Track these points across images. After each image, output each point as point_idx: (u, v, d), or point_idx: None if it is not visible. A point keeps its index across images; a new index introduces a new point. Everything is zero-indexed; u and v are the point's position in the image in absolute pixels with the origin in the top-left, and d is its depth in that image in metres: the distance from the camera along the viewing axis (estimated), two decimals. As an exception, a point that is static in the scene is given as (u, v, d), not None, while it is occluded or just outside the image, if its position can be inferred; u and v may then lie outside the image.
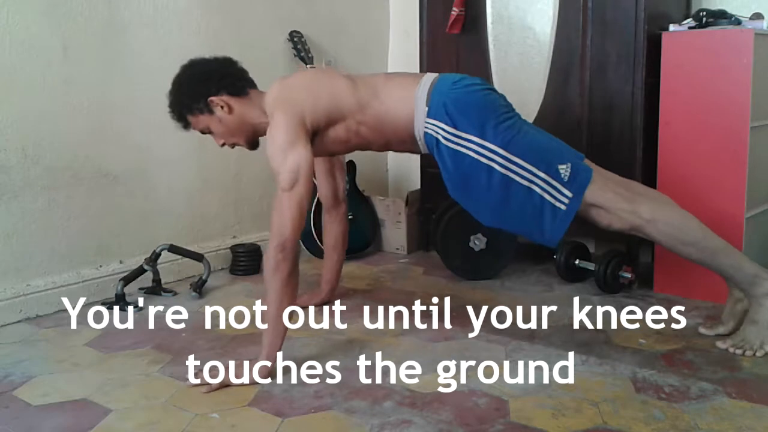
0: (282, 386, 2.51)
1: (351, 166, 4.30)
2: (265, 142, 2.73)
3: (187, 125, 2.89)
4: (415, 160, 4.30)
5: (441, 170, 2.76)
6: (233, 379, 2.52)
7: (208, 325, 3.13)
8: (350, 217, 4.06)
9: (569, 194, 2.64)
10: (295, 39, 4.24)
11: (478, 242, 3.74)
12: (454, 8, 3.79)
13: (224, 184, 4.04)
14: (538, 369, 2.62)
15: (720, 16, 3.27)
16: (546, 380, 2.53)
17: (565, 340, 2.90)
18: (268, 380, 2.55)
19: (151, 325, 3.12)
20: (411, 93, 2.76)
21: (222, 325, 3.14)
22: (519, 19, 3.70)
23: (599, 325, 3.05)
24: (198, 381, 2.53)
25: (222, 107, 2.79)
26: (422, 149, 2.83)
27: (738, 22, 3.26)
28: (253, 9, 4.10)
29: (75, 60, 3.36)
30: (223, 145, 2.91)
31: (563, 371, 2.60)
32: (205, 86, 2.79)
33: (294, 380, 2.56)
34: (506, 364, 2.67)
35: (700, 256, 2.73)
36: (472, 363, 2.68)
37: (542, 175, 2.63)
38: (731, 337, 2.78)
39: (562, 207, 2.64)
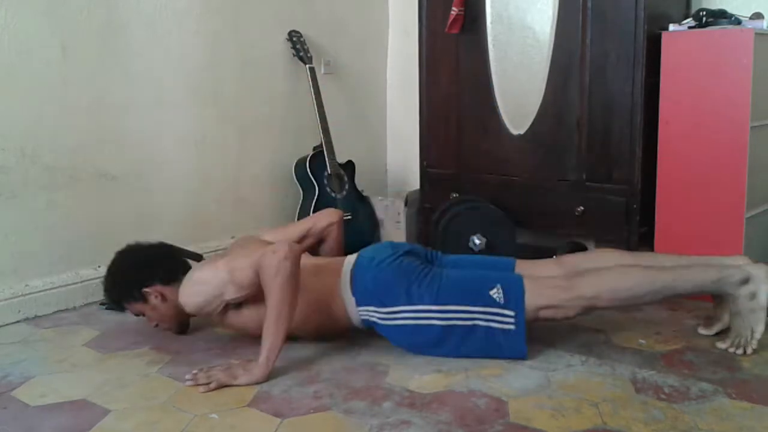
0: (281, 387, 2.50)
1: (350, 165, 4.29)
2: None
3: (122, 309, 2.99)
4: (414, 160, 4.29)
5: (388, 339, 2.81)
6: (231, 380, 2.52)
7: (206, 326, 3.12)
8: (348, 217, 4.06)
9: (511, 313, 2.67)
10: (294, 39, 4.23)
11: (477, 242, 3.73)
12: (453, 8, 3.78)
13: (223, 184, 4.04)
14: (538, 370, 2.62)
15: (720, 16, 3.27)
16: (545, 381, 2.53)
17: (565, 340, 2.89)
18: (267, 381, 2.54)
19: (150, 325, 3.11)
20: (335, 289, 2.82)
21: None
22: (518, 18, 3.69)
23: (599, 326, 3.04)
24: (196, 381, 2.53)
25: (155, 296, 2.86)
26: (362, 329, 2.87)
27: (738, 22, 3.26)
28: (252, 9, 4.10)
29: (74, 60, 3.35)
30: (156, 326, 2.97)
31: (563, 372, 2.60)
32: (139, 277, 2.87)
33: (293, 381, 2.55)
34: (506, 364, 2.67)
35: (658, 298, 2.79)
36: (471, 364, 2.67)
37: (479, 309, 2.68)
38: (728, 336, 2.79)
39: (512, 327, 2.68)
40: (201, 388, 2.49)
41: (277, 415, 2.30)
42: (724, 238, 3.12)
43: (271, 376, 2.56)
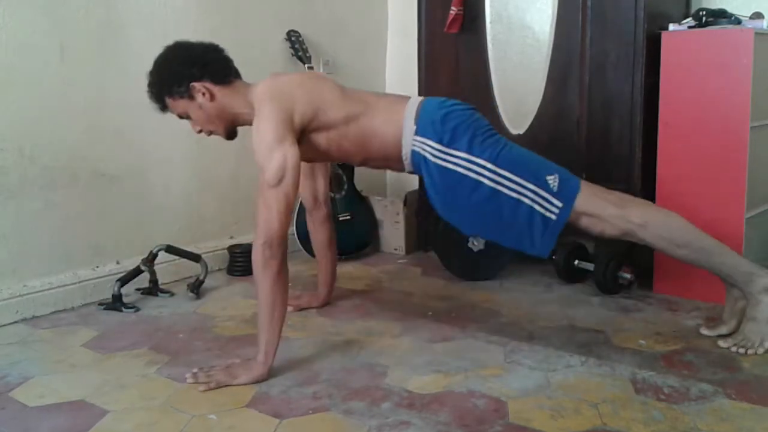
0: (280, 387, 2.50)
1: (349, 165, 4.29)
2: (242, 134, 2.71)
3: (164, 107, 2.82)
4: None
5: (427, 187, 2.77)
6: (231, 379, 2.52)
7: (205, 326, 3.12)
8: (348, 217, 4.06)
9: (559, 204, 2.66)
10: (293, 38, 4.23)
11: (476, 242, 3.73)
12: (452, 7, 3.78)
13: (222, 184, 4.03)
14: (537, 370, 2.62)
15: (720, 16, 3.27)
16: (545, 381, 2.52)
17: (565, 341, 2.89)
18: (266, 380, 2.54)
19: (148, 326, 3.11)
20: (400, 111, 2.78)
21: (219, 326, 3.12)
22: (518, 18, 3.69)
23: (598, 326, 3.03)
24: (196, 380, 2.53)
25: (204, 94, 2.73)
26: (407, 168, 2.84)
27: (738, 22, 3.26)
28: (250, 8, 4.09)
29: (72, 60, 3.34)
30: (200, 131, 2.85)
31: (562, 372, 2.60)
32: (189, 70, 2.72)
33: (292, 381, 2.55)
34: (505, 365, 2.66)
35: (695, 257, 2.75)
36: (471, 364, 2.67)
37: (531, 186, 2.66)
38: (732, 336, 2.79)
39: (553, 217, 2.66)
40: (201, 387, 2.49)
41: (275, 415, 2.30)
42: (724, 239, 3.09)
43: (270, 374, 2.56)
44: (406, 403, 2.37)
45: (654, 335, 2.93)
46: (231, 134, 2.90)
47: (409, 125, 2.74)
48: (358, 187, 4.36)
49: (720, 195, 3.22)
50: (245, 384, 2.51)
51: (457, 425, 2.22)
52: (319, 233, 3.34)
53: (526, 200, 2.65)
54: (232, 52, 3.96)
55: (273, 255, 2.52)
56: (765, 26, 3.24)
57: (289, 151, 2.60)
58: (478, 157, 2.66)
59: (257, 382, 2.53)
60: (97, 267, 3.47)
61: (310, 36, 4.35)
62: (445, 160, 2.69)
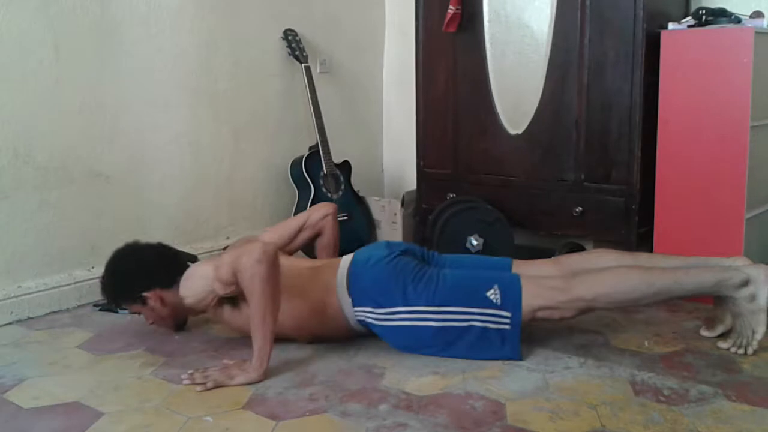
0: (276, 389, 2.49)
1: (346, 165, 4.28)
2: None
3: (119, 308, 3.09)
4: (410, 160, 4.27)
5: (385, 340, 2.81)
6: (227, 380, 2.52)
7: (201, 327, 3.11)
8: (345, 217, 4.05)
9: (508, 314, 2.68)
10: (290, 37, 4.21)
11: (474, 243, 3.71)
12: (450, 6, 3.76)
13: (217, 184, 4.02)
14: (536, 372, 2.60)
15: (720, 15, 3.26)
16: (543, 383, 2.51)
17: (563, 342, 2.87)
18: (262, 381, 2.53)
19: (143, 327, 3.09)
20: (332, 290, 2.82)
21: (215, 328, 3.11)
22: (516, 17, 3.68)
23: (597, 327, 3.02)
24: (193, 381, 2.52)
25: (155, 300, 2.86)
26: (360, 331, 2.86)
27: (738, 21, 3.25)
28: (247, 7, 4.08)
29: (67, 59, 3.33)
30: (152, 323, 2.98)
31: (561, 374, 2.58)
32: (138, 283, 2.86)
33: (288, 383, 2.53)
34: (503, 366, 2.65)
35: (656, 300, 2.78)
36: (469, 366, 2.66)
37: (475, 310, 2.69)
38: (730, 336, 2.79)
39: (507, 327, 2.69)
40: (197, 388, 2.48)
41: (272, 417, 2.29)
42: (723, 239, 3.10)
43: (266, 375, 2.56)
44: (403, 405, 2.36)
45: (653, 336, 2.92)
46: (180, 326, 3.08)
47: (346, 299, 2.79)
48: (356, 188, 4.34)
49: (720, 195, 3.21)
50: (242, 384, 2.51)
51: (454, 427, 2.21)
52: (323, 237, 3.31)
53: (477, 323, 2.69)
54: (227, 51, 3.98)
55: (260, 260, 2.52)
56: (765, 25, 3.23)
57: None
58: (416, 305, 2.71)
59: (254, 382, 2.52)
60: (93, 268, 3.45)
61: (306, 35, 4.34)
62: (388, 320, 2.74)
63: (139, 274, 2.87)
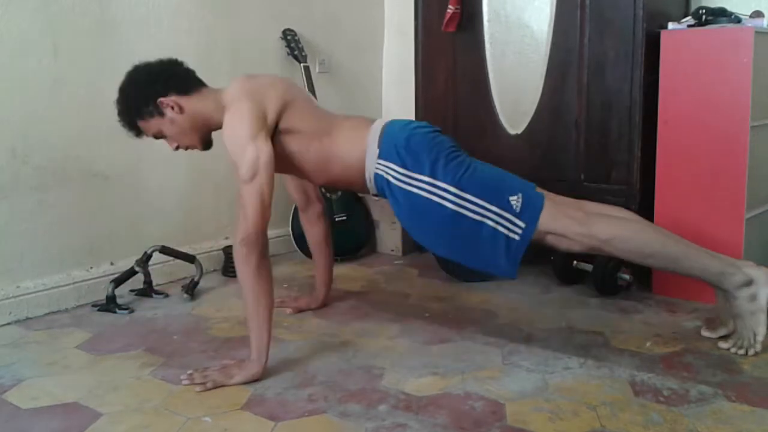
0: (275, 389, 2.48)
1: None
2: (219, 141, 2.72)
3: (138, 132, 2.85)
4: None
5: (392, 208, 2.79)
6: (227, 379, 2.51)
7: (200, 328, 3.10)
8: (344, 217, 4.04)
9: (522, 224, 2.65)
10: (289, 37, 4.21)
11: (474, 243, 3.70)
12: (449, 6, 3.77)
13: (217, 184, 4.01)
14: (535, 372, 2.60)
15: (719, 14, 3.25)
16: (543, 383, 2.50)
17: (563, 342, 2.87)
18: (262, 379, 2.53)
19: (143, 327, 3.09)
20: (363, 134, 2.80)
21: (214, 328, 3.11)
22: (516, 16, 3.68)
23: (597, 328, 3.02)
24: (192, 381, 2.52)
25: (172, 108, 2.76)
26: (371, 190, 2.86)
27: (738, 20, 3.24)
28: (246, 7, 4.07)
29: (66, 58, 3.32)
30: (177, 148, 2.88)
31: (560, 374, 2.58)
32: (153, 88, 2.75)
33: (287, 383, 2.53)
34: (503, 367, 2.65)
35: (661, 264, 2.75)
36: (468, 366, 2.65)
37: (494, 208, 2.65)
38: (731, 337, 2.78)
39: (516, 237, 2.65)
40: (197, 388, 2.48)
41: (271, 418, 2.28)
42: (723, 239, 3.09)
43: (266, 371, 2.55)
44: (402, 406, 2.35)
45: (653, 337, 2.92)
46: (207, 144, 2.93)
47: (372, 148, 2.76)
48: (355, 188, 4.33)
49: (720, 195, 3.20)
50: (241, 383, 2.50)
51: (454, 428, 2.20)
52: (313, 231, 3.32)
53: (489, 222, 2.65)
54: (226, 51, 3.98)
55: (250, 250, 2.52)
56: (765, 25, 3.23)
57: (262, 148, 2.62)
58: (440, 180, 2.67)
59: (253, 380, 2.52)
60: (91, 268, 3.45)
61: (305, 35, 4.33)
62: (408, 183, 2.70)
63: (154, 79, 2.77)
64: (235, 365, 2.57)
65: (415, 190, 2.68)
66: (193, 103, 2.77)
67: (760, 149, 3.24)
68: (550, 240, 2.68)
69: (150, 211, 3.72)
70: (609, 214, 2.79)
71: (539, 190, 2.79)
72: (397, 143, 2.73)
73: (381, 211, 4.35)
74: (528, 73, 3.67)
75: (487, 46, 3.78)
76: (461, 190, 2.65)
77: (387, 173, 2.73)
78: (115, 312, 3.28)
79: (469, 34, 3.83)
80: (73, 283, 3.41)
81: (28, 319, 3.24)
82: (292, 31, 4.24)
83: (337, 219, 4.11)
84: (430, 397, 2.41)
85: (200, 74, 3.79)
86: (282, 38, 4.23)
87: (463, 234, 2.67)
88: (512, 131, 3.76)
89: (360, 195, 4.34)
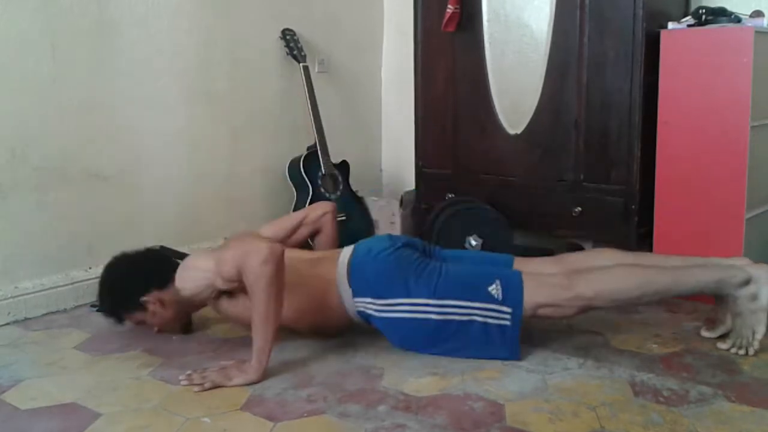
0: (274, 390, 2.48)
1: (344, 165, 4.27)
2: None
3: (121, 321, 2.97)
4: (409, 160, 4.26)
5: (385, 334, 2.80)
6: (226, 381, 2.51)
7: (198, 328, 3.10)
8: (343, 217, 4.03)
9: (509, 310, 2.67)
10: (288, 37, 4.20)
11: (473, 243, 3.70)
12: (449, 6, 3.76)
13: (215, 184, 4.01)
14: (535, 373, 2.60)
15: (719, 14, 3.25)
16: (542, 384, 2.50)
17: (563, 343, 2.87)
18: (261, 382, 2.52)
19: (141, 328, 3.07)
20: (332, 280, 2.81)
21: (213, 328, 3.11)
22: (515, 16, 3.67)
23: (597, 328, 3.01)
24: (191, 382, 2.52)
25: (154, 303, 2.86)
26: (356, 321, 2.86)
27: (738, 20, 3.24)
28: (245, 6, 4.07)
29: (64, 59, 3.31)
30: (158, 331, 2.97)
31: (560, 375, 2.58)
32: (135, 288, 2.85)
33: (287, 384, 2.52)
34: (502, 367, 2.64)
35: (656, 298, 2.79)
36: (468, 366, 2.65)
37: (476, 304, 2.68)
38: (730, 337, 2.78)
39: (507, 323, 2.67)
40: (196, 388, 2.48)
41: (270, 418, 2.28)
42: (723, 239, 3.09)
43: (265, 376, 2.55)
44: (402, 406, 2.35)
45: (653, 337, 2.91)
46: (186, 329, 3.05)
47: (345, 289, 2.79)
48: (354, 188, 4.33)
49: (720, 195, 3.20)
50: (240, 385, 2.50)
51: (453, 428, 2.20)
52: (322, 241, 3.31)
53: (477, 318, 2.68)
54: (226, 50, 3.97)
55: (266, 260, 2.51)
56: (765, 24, 3.23)
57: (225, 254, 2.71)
58: (417, 297, 2.70)
59: (252, 383, 2.51)
60: (90, 268, 3.44)
61: (305, 35, 4.33)
62: (388, 311, 2.73)
63: (133, 280, 2.86)
64: (233, 366, 2.57)
65: (397, 315, 2.72)
66: (172, 294, 2.83)
67: (760, 149, 3.24)
68: (543, 312, 2.70)
69: (148, 211, 3.71)
70: (591, 265, 2.82)
71: (517, 263, 2.89)
72: (365, 278, 2.77)
73: (380, 211, 4.34)
74: (527, 73, 3.66)
75: (487, 45, 3.77)
76: (440, 299, 2.69)
77: (367, 308, 2.76)
78: (122, 322, 3.26)
79: (469, 34, 3.83)
80: (72, 283, 3.40)
81: (26, 319, 3.23)
82: (291, 30, 4.23)
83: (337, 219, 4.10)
84: (429, 397, 2.41)
85: (199, 75, 3.83)
86: (281, 38, 4.23)
87: (456, 336, 2.71)
88: (512, 131, 3.75)
89: (359, 195, 4.34)
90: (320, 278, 2.82)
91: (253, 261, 2.51)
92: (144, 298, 2.83)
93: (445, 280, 2.71)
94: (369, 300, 2.74)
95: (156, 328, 2.95)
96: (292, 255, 2.90)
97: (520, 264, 2.90)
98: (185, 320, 3.02)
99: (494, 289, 2.67)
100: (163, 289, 2.83)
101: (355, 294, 2.76)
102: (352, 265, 2.80)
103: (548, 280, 2.72)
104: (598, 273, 2.73)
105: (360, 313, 2.79)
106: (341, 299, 2.79)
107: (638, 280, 2.68)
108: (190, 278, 2.75)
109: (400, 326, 2.73)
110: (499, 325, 2.66)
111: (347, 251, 2.87)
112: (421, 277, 2.72)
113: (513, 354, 2.69)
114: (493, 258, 2.99)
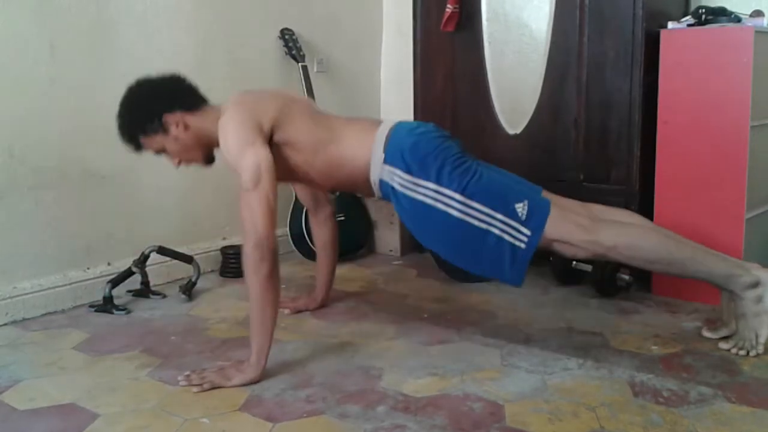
0: (273, 390, 2.47)
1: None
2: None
3: (139, 147, 2.84)
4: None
5: (397, 212, 2.78)
6: (224, 381, 2.50)
7: (197, 328, 3.09)
8: (342, 218, 4.02)
9: (528, 232, 2.64)
10: (286, 37, 4.20)
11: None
12: (448, 5, 3.76)
13: (214, 184, 3.99)
14: (534, 373, 2.59)
15: (719, 14, 3.25)
16: (542, 384, 2.50)
17: (562, 343, 2.86)
18: (259, 382, 2.52)
19: (140, 328, 3.08)
20: (369, 138, 2.78)
21: (212, 328, 3.10)
22: (515, 16, 3.67)
23: (596, 329, 3.01)
24: (190, 382, 2.51)
25: (177, 125, 2.76)
26: (376, 194, 2.85)
27: (738, 20, 3.24)
28: (243, 6, 4.07)
29: (62, 58, 3.31)
30: (179, 164, 2.88)
31: (559, 375, 2.57)
32: (158, 104, 2.75)
33: (286, 384, 2.52)
34: (502, 367, 2.64)
35: (667, 269, 2.75)
36: (467, 367, 2.65)
37: (499, 216, 2.64)
38: (732, 338, 2.78)
39: (522, 246, 2.64)
40: (194, 389, 2.47)
41: (269, 419, 2.28)
42: (723, 239, 3.09)
43: (264, 376, 2.54)
44: (401, 407, 2.34)
45: (653, 337, 2.91)
46: (209, 160, 2.93)
47: (378, 153, 2.75)
48: (353, 188, 4.32)
49: (720, 195, 3.20)
50: (239, 386, 2.49)
51: (453, 429, 2.19)
52: (321, 232, 3.32)
53: (495, 230, 2.64)
54: (224, 50, 3.97)
55: (263, 257, 2.50)
56: (765, 24, 3.23)
57: (261, 153, 2.61)
58: (446, 187, 2.65)
59: (251, 383, 2.51)
60: (88, 269, 3.44)
61: (303, 34, 4.32)
62: (413, 190, 2.69)
63: (159, 94, 2.77)
64: (232, 366, 2.56)
65: (420, 197, 2.67)
66: (197, 120, 2.77)
67: (760, 149, 3.24)
68: (556, 247, 2.67)
69: (147, 211, 3.70)
70: (615, 219, 2.79)
71: (545, 194, 2.79)
72: (403, 149, 2.71)
73: (379, 212, 4.34)
74: (527, 72, 3.66)
75: (486, 45, 3.77)
76: (467, 197, 2.63)
77: (392, 179, 2.72)
78: (112, 313, 3.27)
79: (468, 34, 3.83)
80: (70, 283, 3.39)
81: (24, 319, 3.22)
82: (290, 30, 4.23)
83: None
84: (428, 398, 2.41)
85: (198, 74, 3.79)
86: (280, 38, 4.22)
87: (467, 241, 2.66)
88: (511, 131, 3.75)
89: (358, 195, 4.33)
90: (356, 134, 2.80)
91: (250, 256, 2.52)
92: (167, 116, 2.74)
93: (477, 181, 2.66)
94: (398, 171, 2.70)
95: (177, 159, 2.85)
96: (328, 116, 2.91)
97: (548, 196, 2.82)
98: (209, 151, 2.89)
99: (521, 207, 2.64)
100: (189, 112, 2.77)
101: (387, 160, 2.72)
102: (394, 132, 2.77)
103: (574, 218, 2.69)
104: (622, 225, 2.72)
105: (382, 183, 2.75)
106: (370, 162, 2.76)
107: (659, 244, 2.67)
108: (223, 132, 2.67)
109: (419, 208, 2.68)
110: (513, 245, 2.63)
111: (390, 121, 2.84)
112: (456, 170, 2.67)
113: (516, 278, 2.66)
114: (525, 182, 2.88)
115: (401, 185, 2.70)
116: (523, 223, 2.62)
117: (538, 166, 3.67)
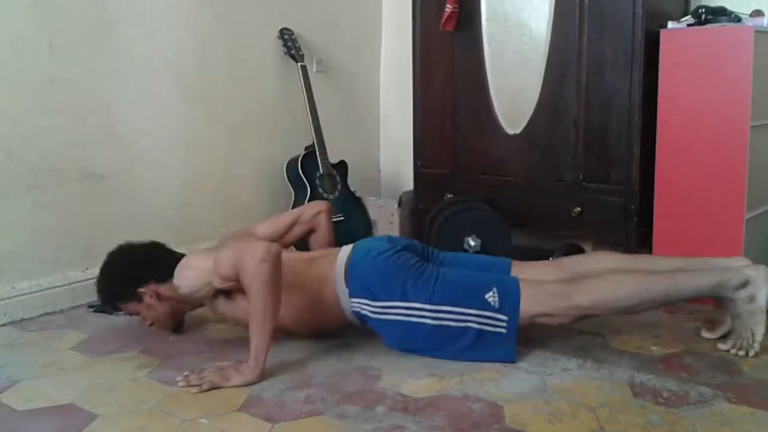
0: (272, 391, 2.47)
1: (343, 165, 4.26)
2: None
3: (116, 310, 2.99)
4: (408, 160, 4.26)
5: (380, 335, 2.79)
6: (223, 381, 2.50)
7: (196, 329, 3.09)
8: (342, 217, 4.02)
9: (505, 318, 2.66)
10: (286, 36, 4.20)
11: (472, 243, 3.69)
12: (447, 5, 3.75)
13: (213, 184, 4.00)
14: (534, 374, 2.59)
15: (719, 13, 3.25)
16: (542, 385, 2.49)
17: (562, 343, 2.86)
18: (258, 383, 2.51)
19: (139, 328, 3.07)
20: (330, 277, 2.80)
21: (211, 329, 3.10)
22: (514, 16, 3.66)
23: (596, 329, 3.00)
24: (188, 383, 2.51)
25: (150, 295, 2.85)
26: (356, 324, 2.86)
27: (738, 19, 3.24)
28: (242, 6, 4.06)
29: (62, 58, 3.30)
30: (151, 325, 2.95)
31: (559, 375, 2.57)
32: (133, 278, 2.85)
33: (285, 385, 2.52)
34: (501, 368, 2.63)
35: (655, 305, 2.76)
36: (467, 367, 2.64)
37: (473, 312, 2.67)
38: (730, 338, 2.78)
39: (503, 331, 2.67)
40: (193, 390, 2.47)
41: (268, 419, 2.27)
42: (723, 239, 3.08)
43: (263, 376, 2.54)
44: (400, 407, 2.34)
45: (652, 338, 2.90)
46: (178, 325, 3.04)
47: (342, 289, 2.78)
48: (352, 188, 4.32)
49: (720, 195, 3.19)
50: (238, 386, 2.49)
51: (452, 429, 2.19)
52: (315, 239, 3.29)
53: (473, 325, 2.67)
54: (223, 50, 3.97)
55: (264, 258, 2.51)
56: (765, 24, 3.23)
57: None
58: (414, 302, 2.69)
59: (250, 384, 2.51)
60: (87, 269, 3.43)
61: (303, 34, 4.32)
62: (384, 313, 2.72)
63: (133, 269, 2.86)
64: (231, 367, 2.56)
65: (392, 317, 2.71)
66: (170, 290, 2.82)
67: (760, 149, 3.24)
68: (540, 321, 2.70)
69: (146, 211, 3.70)
70: (587, 270, 2.82)
71: (514, 266, 2.89)
72: (362, 279, 2.75)
73: (378, 212, 4.34)
74: (527, 72, 3.65)
75: (486, 45, 3.76)
76: (436, 305, 2.68)
77: (363, 309, 2.75)
78: (110, 313, 3.26)
79: (468, 34, 3.82)
80: (69, 284, 3.39)
81: (23, 320, 3.22)
82: (288, 30, 4.22)
83: (334, 219, 4.08)
84: (428, 398, 2.40)
85: (198, 74, 3.82)
86: (279, 37, 4.22)
87: (452, 341, 2.70)
88: (511, 131, 3.75)
89: (357, 195, 4.33)
90: (317, 278, 2.81)
91: (251, 260, 2.51)
92: (141, 289, 2.83)
93: (442, 286, 2.70)
94: (365, 301, 2.73)
95: (149, 322, 2.93)
96: (289, 255, 2.89)
97: (518, 269, 2.89)
98: (179, 319, 3.01)
99: (491, 296, 2.66)
100: (161, 282, 2.82)
101: (352, 294, 2.75)
102: (350, 266, 2.79)
103: (546, 288, 2.71)
104: (595, 282, 2.72)
105: (356, 313, 2.78)
106: (338, 299, 2.78)
107: (635, 289, 2.68)
108: (188, 277, 2.74)
109: (395, 329, 2.72)
110: (495, 333, 2.67)
111: (345, 251, 2.86)
112: (418, 281, 2.71)
113: (507, 356, 2.68)
114: (491, 262, 2.97)
115: (373, 312, 2.74)
116: (497, 311, 2.66)
117: (538, 167, 3.67)
